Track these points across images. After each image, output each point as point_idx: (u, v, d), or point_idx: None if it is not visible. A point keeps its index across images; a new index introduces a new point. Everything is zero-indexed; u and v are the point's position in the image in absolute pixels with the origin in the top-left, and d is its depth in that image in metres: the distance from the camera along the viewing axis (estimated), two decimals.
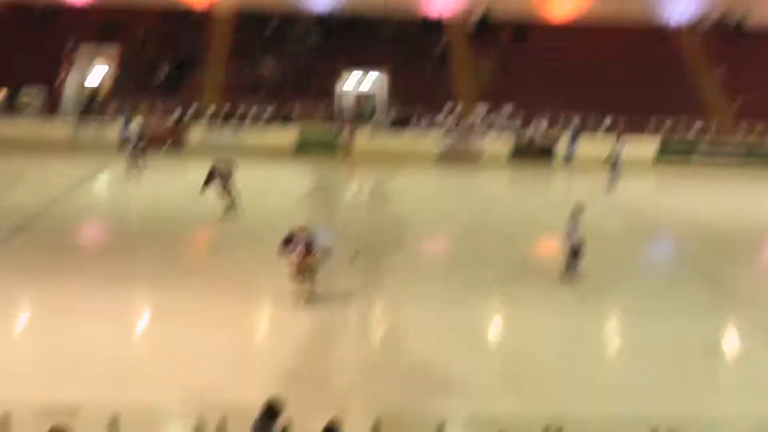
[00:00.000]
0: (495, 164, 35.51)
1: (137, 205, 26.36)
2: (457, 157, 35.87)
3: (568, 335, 15.98)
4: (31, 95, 36.55)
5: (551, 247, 24.05)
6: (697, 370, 14.62)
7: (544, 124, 36.46)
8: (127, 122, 32.37)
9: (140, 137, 31.50)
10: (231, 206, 24.93)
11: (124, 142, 32.07)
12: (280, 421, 9.71)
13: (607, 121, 36.74)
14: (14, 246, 21.46)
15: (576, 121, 36.67)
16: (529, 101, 38.39)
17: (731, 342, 16.92)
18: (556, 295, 18.42)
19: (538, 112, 37.28)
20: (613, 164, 31.07)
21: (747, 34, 41.60)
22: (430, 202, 29.30)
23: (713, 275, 19.39)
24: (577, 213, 19.21)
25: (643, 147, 35.26)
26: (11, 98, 36.46)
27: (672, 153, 36.61)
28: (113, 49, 38.99)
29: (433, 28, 41.69)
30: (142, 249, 20.99)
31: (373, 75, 39.96)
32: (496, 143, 36.10)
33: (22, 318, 16.78)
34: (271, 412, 9.70)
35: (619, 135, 32.78)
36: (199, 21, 40.94)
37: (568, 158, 31.37)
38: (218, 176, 24.74)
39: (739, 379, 14.76)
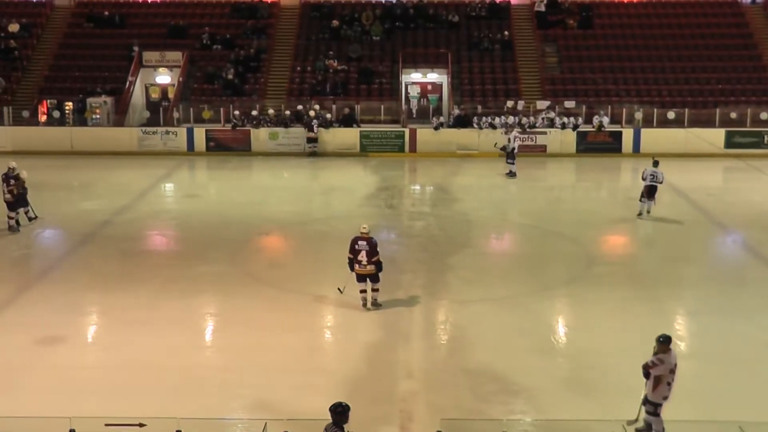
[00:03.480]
0: (560, 158, 35.19)
1: (203, 210, 26.66)
2: (521, 151, 35.61)
3: (635, 337, 15.70)
4: (99, 103, 37.18)
5: (617, 244, 23.78)
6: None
7: (607, 117, 35.94)
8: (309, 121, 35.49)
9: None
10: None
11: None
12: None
13: (671, 114, 36.16)
14: (82, 254, 21.80)
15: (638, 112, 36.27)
16: (594, 93, 38.02)
17: None
18: (622, 294, 18.13)
19: (602, 104, 36.84)
20: (509, 153, 31.17)
21: None
22: (494, 197, 29.17)
23: None
24: None
25: (710, 137, 34.52)
26: (80, 106, 37.16)
27: (739, 144, 35.58)
28: (178, 54, 39.50)
29: (497, 14, 41.68)
30: (209, 255, 21.13)
31: (436, 72, 39.83)
32: (562, 137, 35.73)
33: (89, 327, 16.91)
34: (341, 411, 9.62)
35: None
36: (263, 19, 41.42)
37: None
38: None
39: None
